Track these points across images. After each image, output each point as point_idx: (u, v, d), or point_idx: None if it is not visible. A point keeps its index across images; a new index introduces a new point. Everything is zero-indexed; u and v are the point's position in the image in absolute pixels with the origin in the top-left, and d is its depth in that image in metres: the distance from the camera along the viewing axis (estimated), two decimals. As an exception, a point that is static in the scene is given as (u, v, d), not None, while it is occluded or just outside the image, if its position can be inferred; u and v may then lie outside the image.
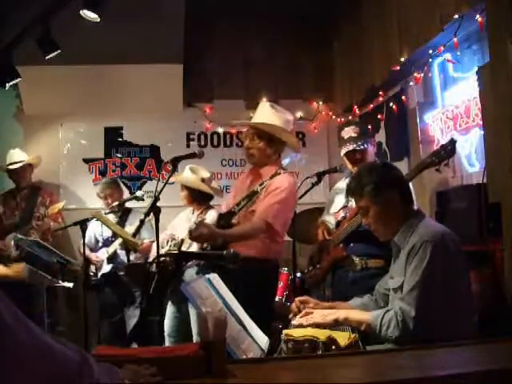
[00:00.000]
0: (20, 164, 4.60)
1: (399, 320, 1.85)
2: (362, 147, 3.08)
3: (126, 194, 4.89)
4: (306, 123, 5.34)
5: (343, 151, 3.15)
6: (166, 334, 3.73)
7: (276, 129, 2.90)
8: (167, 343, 3.68)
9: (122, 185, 4.82)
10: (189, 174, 3.92)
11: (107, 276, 4.28)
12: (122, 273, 4.26)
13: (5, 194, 4.69)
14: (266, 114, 2.96)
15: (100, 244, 4.44)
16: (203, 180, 3.89)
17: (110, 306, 4.34)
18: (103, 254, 4.34)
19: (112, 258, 4.29)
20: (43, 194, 4.69)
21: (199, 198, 3.88)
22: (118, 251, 4.26)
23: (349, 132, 3.13)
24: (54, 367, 0.98)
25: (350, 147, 3.09)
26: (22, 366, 0.94)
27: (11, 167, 4.60)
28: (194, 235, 2.67)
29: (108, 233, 4.37)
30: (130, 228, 4.07)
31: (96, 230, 4.42)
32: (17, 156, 4.66)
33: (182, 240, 3.83)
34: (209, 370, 1.37)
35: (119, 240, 4.18)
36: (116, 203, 4.21)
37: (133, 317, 4.28)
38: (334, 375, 1.50)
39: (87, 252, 3.88)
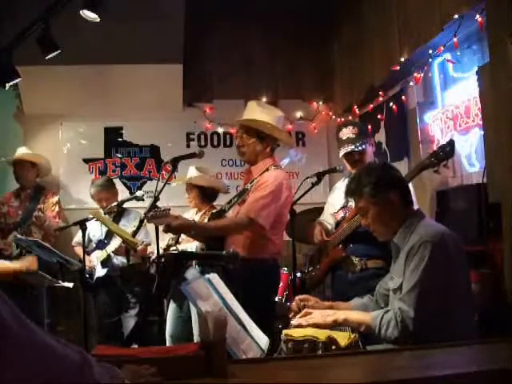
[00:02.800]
0: (13, 157, 4.59)
1: (398, 320, 1.85)
2: (360, 148, 3.06)
3: (126, 194, 4.88)
4: (306, 123, 5.35)
5: (341, 153, 3.12)
6: (167, 334, 3.72)
7: (263, 124, 2.91)
8: (168, 343, 3.66)
9: (116, 185, 4.68)
10: (197, 173, 3.86)
11: (102, 280, 4.23)
12: (116, 274, 4.23)
13: (10, 193, 4.70)
14: (252, 111, 2.99)
15: (93, 244, 4.39)
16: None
17: (107, 308, 4.31)
18: (95, 258, 4.27)
19: (106, 261, 4.24)
20: (47, 194, 4.69)
21: (209, 196, 3.82)
22: (112, 255, 4.21)
23: (347, 133, 3.11)
24: (55, 367, 0.98)
25: (349, 149, 3.07)
26: (23, 366, 0.94)
27: (9, 159, 4.63)
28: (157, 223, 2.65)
29: (102, 234, 4.34)
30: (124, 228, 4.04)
31: (90, 229, 4.34)
32: (18, 152, 4.67)
33: (179, 235, 3.79)
34: (209, 369, 1.37)
35: (115, 244, 4.15)
36: (115, 203, 4.19)
37: (129, 317, 4.26)
38: (334, 375, 1.50)
39: (81, 253, 3.84)
